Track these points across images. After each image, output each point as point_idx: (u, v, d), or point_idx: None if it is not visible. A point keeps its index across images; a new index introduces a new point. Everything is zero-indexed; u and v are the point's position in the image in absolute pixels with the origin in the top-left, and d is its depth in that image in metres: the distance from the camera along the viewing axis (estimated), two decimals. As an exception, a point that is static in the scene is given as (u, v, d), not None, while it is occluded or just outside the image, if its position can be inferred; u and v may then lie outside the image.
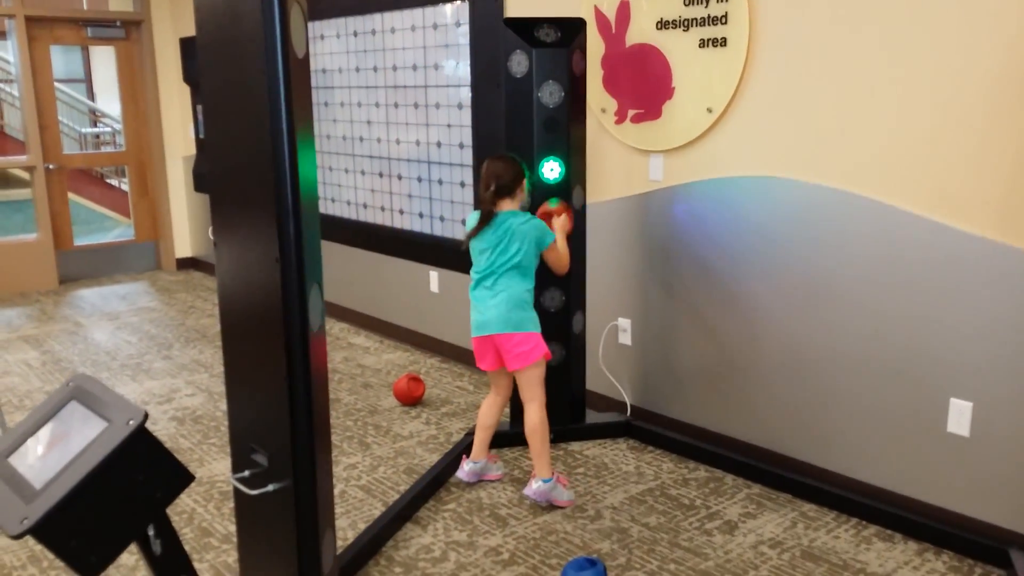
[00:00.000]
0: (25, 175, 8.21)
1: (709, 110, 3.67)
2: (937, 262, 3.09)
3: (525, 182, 3.45)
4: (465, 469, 3.61)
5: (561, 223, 3.56)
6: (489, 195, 3.37)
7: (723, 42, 3.57)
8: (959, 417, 3.10)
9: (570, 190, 3.77)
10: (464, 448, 3.75)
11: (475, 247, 3.45)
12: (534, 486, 3.40)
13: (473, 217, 3.46)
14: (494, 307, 3.39)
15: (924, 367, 3.18)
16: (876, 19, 3.13)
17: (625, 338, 4.24)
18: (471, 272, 3.48)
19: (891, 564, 3.01)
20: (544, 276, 3.65)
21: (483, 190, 3.39)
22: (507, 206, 3.40)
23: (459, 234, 5.06)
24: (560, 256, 3.52)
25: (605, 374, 4.31)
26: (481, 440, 3.61)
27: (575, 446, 4.00)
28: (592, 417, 4.14)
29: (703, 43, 3.64)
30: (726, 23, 3.54)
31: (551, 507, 3.43)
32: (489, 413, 3.60)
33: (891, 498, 3.32)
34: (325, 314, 2.46)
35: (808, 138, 3.40)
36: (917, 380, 3.21)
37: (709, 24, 3.60)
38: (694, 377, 3.98)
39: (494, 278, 3.40)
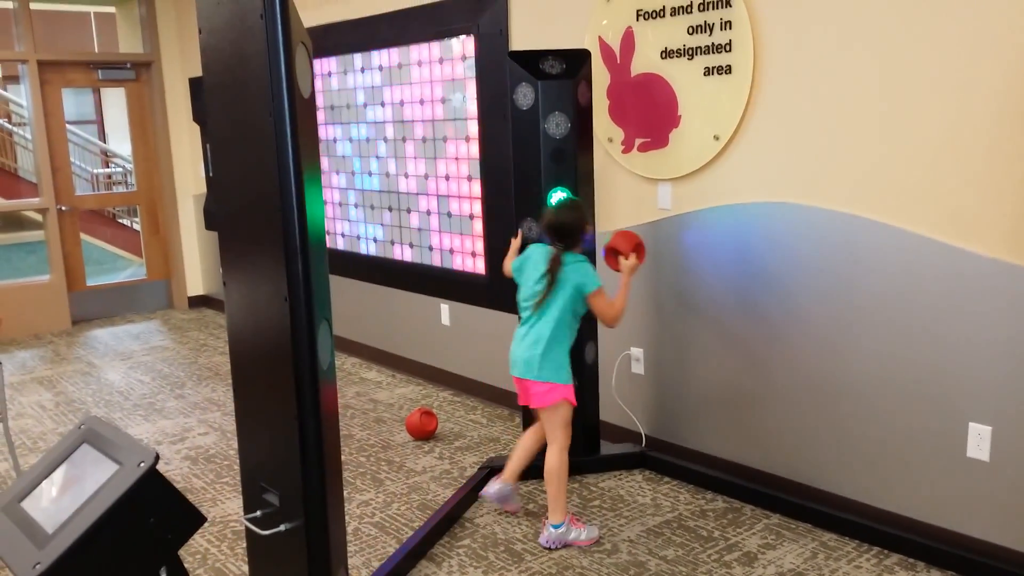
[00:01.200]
0: (38, 217, 8.29)
1: (716, 137, 3.67)
2: (951, 285, 3.07)
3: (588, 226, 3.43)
4: (493, 488, 3.53)
5: (630, 265, 3.41)
6: (560, 248, 3.32)
7: (728, 69, 3.58)
8: (979, 442, 3.06)
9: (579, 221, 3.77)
10: (484, 477, 3.74)
11: (528, 277, 3.40)
12: (546, 533, 3.35)
13: (538, 252, 3.40)
14: (525, 348, 3.34)
15: (941, 391, 3.15)
16: (880, 42, 3.13)
17: (638, 367, 4.21)
18: (520, 301, 3.43)
19: (915, 593, 2.95)
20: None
21: (550, 240, 3.35)
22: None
23: (469, 267, 5.06)
24: (609, 306, 3.32)
25: (619, 404, 4.28)
26: (516, 462, 3.54)
27: (590, 478, 3.96)
28: (607, 448, 4.10)
29: (708, 71, 3.65)
30: (731, 51, 3.55)
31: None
32: (529, 437, 3.55)
33: (913, 526, 3.27)
34: (335, 351, 2.45)
35: (816, 163, 3.39)
36: (935, 405, 3.17)
37: (714, 52, 3.61)
38: (709, 406, 3.94)
39: (536, 318, 3.34)
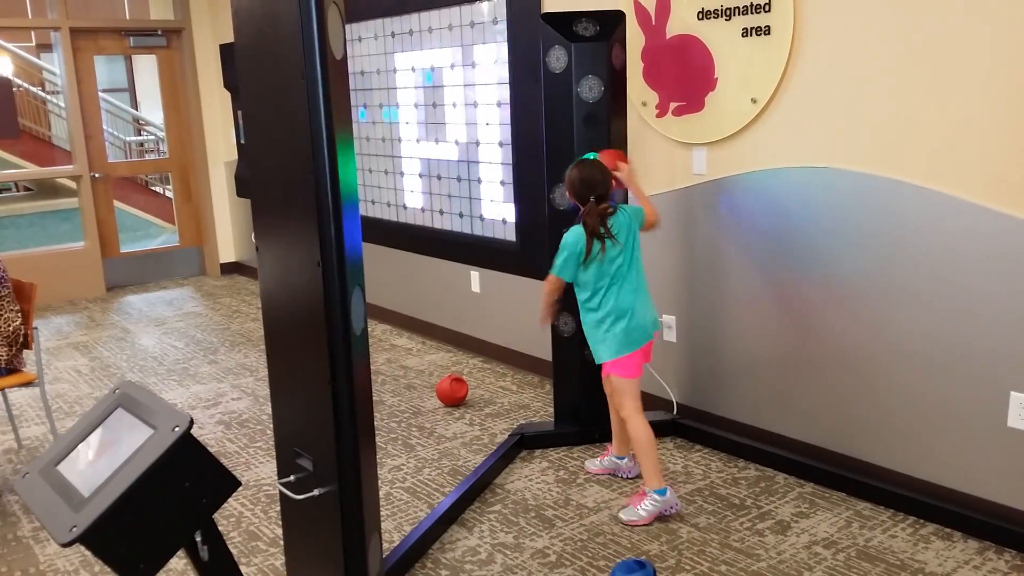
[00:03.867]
0: (72, 184, 8.36)
1: (753, 100, 3.59)
2: (995, 251, 2.99)
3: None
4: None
5: (627, 174, 3.46)
6: (597, 200, 3.24)
7: (767, 30, 3.49)
8: (1020, 411, 3.00)
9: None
10: (516, 444, 3.83)
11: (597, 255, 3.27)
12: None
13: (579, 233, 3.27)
14: (650, 306, 3.38)
15: (983, 360, 3.08)
16: (927, 2, 3.03)
17: (670, 335, 4.17)
18: (595, 283, 3.30)
19: (951, 564, 2.91)
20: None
21: (585, 199, 3.26)
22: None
23: (499, 233, 5.03)
24: (652, 212, 3.45)
25: (650, 372, 4.25)
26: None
27: (621, 445, 3.94)
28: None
29: (746, 32, 3.56)
30: (769, 11, 3.46)
31: (598, 507, 3.38)
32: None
33: (950, 495, 3.22)
34: (367, 317, 2.44)
35: (857, 126, 3.31)
36: (976, 374, 3.11)
37: (752, 12, 3.52)
38: (742, 374, 3.90)
39: (634, 274, 3.33)
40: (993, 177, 2.96)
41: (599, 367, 3.43)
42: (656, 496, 3.23)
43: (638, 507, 3.26)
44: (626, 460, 3.63)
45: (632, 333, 3.30)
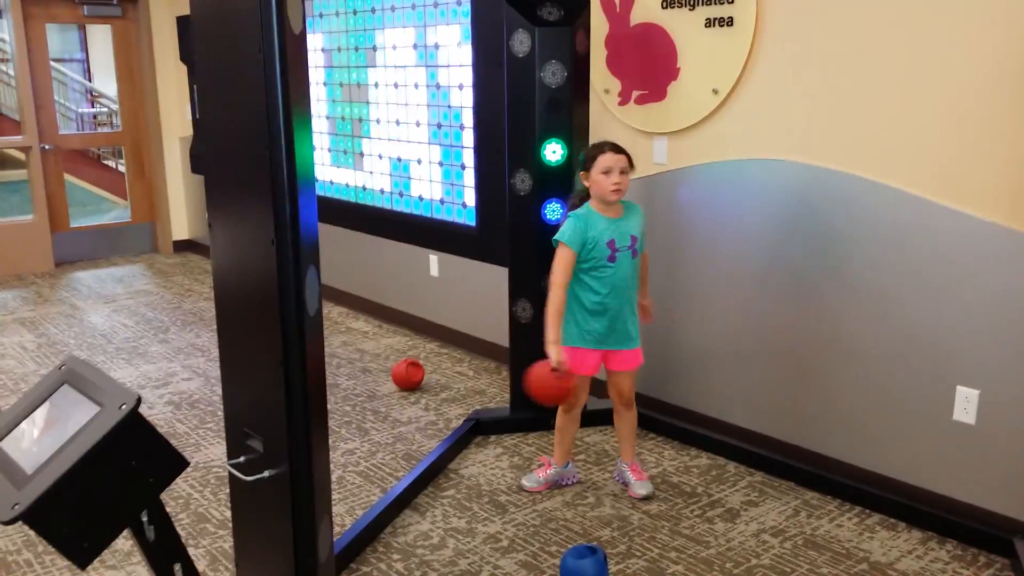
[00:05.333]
0: (21, 156, 8.15)
1: (715, 91, 3.61)
2: (945, 247, 3.04)
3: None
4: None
5: None
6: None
7: (730, 21, 3.50)
8: (966, 405, 3.06)
9: (572, 173, 3.72)
10: (470, 429, 3.77)
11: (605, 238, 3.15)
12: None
13: (590, 214, 3.16)
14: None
15: (930, 354, 3.14)
16: (886, -1, 3.07)
17: (626, 323, 4.18)
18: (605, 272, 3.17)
19: (895, 553, 2.97)
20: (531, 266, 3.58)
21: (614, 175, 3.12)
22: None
23: (459, 218, 5.01)
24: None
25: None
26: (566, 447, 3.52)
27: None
28: (592, 404, 4.09)
29: (709, 22, 3.57)
30: (732, 2, 3.48)
31: (551, 494, 3.39)
32: (575, 421, 3.50)
33: (895, 486, 3.28)
34: (322, 298, 2.41)
35: (816, 120, 3.34)
36: (923, 367, 3.17)
37: (715, 3, 3.53)
38: (696, 363, 3.93)
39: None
40: (944, 173, 3.01)
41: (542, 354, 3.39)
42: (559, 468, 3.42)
43: (540, 475, 3.42)
44: (569, 466, 3.52)
45: (586, 332, 3.22)
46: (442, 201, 5.12)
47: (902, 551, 2.99)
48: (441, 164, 5.07)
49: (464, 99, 4.81)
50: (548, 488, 3.44)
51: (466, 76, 4.76)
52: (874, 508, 3.24)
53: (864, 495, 3.27)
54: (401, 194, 5.44)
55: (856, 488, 3.29)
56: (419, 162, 5.23)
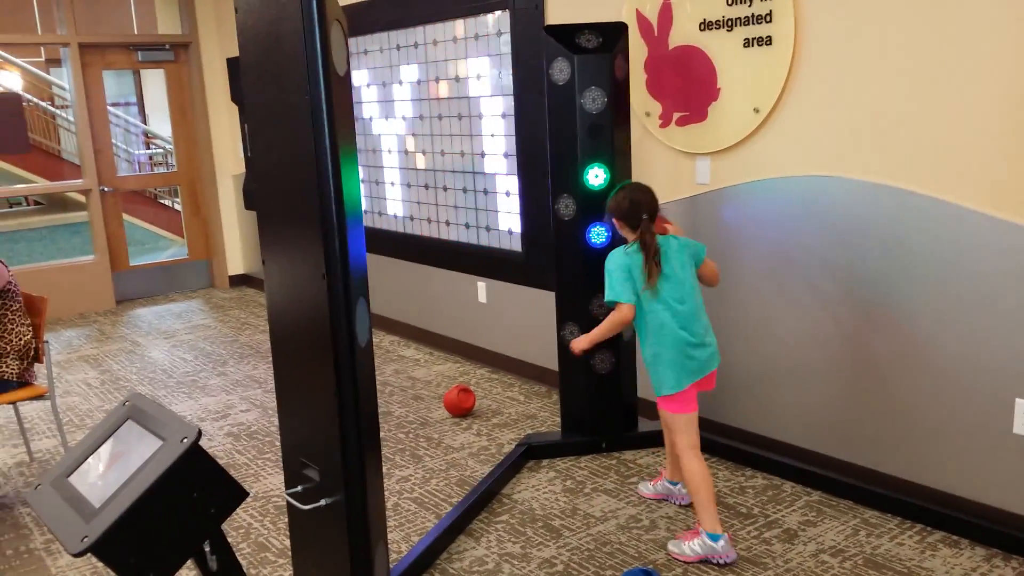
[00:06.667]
0: (81, 198, 8.42)
1: (756, 110, 3.61)
2: (999, 259, 3.00)
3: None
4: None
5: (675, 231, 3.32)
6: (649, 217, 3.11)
7: (768, 40, 3.51)
8: (1026, 418, 3.00)
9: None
10: (522, 453, 3.77)
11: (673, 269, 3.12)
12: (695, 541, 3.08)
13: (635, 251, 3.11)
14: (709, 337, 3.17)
15: (988, 367, 3.08)
16: (928, 9, 3.05)
17: (676, 344, 4.18)
18: (666, 307, 3.08)
19: (958, 571, 2.91)
20: (578, 290, 3.60)
21: (637, 220, 3.11)
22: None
23: (505, 244, 5.06)
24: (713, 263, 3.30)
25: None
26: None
27: (628, 454, 3.95)
28: (644, 425, 4.09)
29: (748, 42, 3.59)
30: (771, 21, 3.49)
31: (605, 517, 3.39)
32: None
33: (957, 503, 3.22)
34: (373, 328, 2.46)
35: (860, 135, 3.32)
36: (981, 381, 3.11)
37: (753, 23, 3.55)
38: (748, 382, 3.91)
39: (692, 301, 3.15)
40: (997, 186, 2.97)
41: (605, 376, 3.42)
42: (708, 539, 3.01)
43: (686, 544, 3.07)
44: (679, 486, 3.45)
45: (685, 367, 3.08)
46: (488, 228, 5.18)
47: (966, 569, 2.92)
48: (486, 192, 5.13)
49: (507, 127, 4.88)
50: (658, 498, 3.50)
51: (508, 105, 4.83)
52: (935, 525, 3.18)
53: (925, 512, 3.21)
54: (448, 222, 5.51)
55: (916, 505, 3.23)
56: (464, 191, 5.30)
